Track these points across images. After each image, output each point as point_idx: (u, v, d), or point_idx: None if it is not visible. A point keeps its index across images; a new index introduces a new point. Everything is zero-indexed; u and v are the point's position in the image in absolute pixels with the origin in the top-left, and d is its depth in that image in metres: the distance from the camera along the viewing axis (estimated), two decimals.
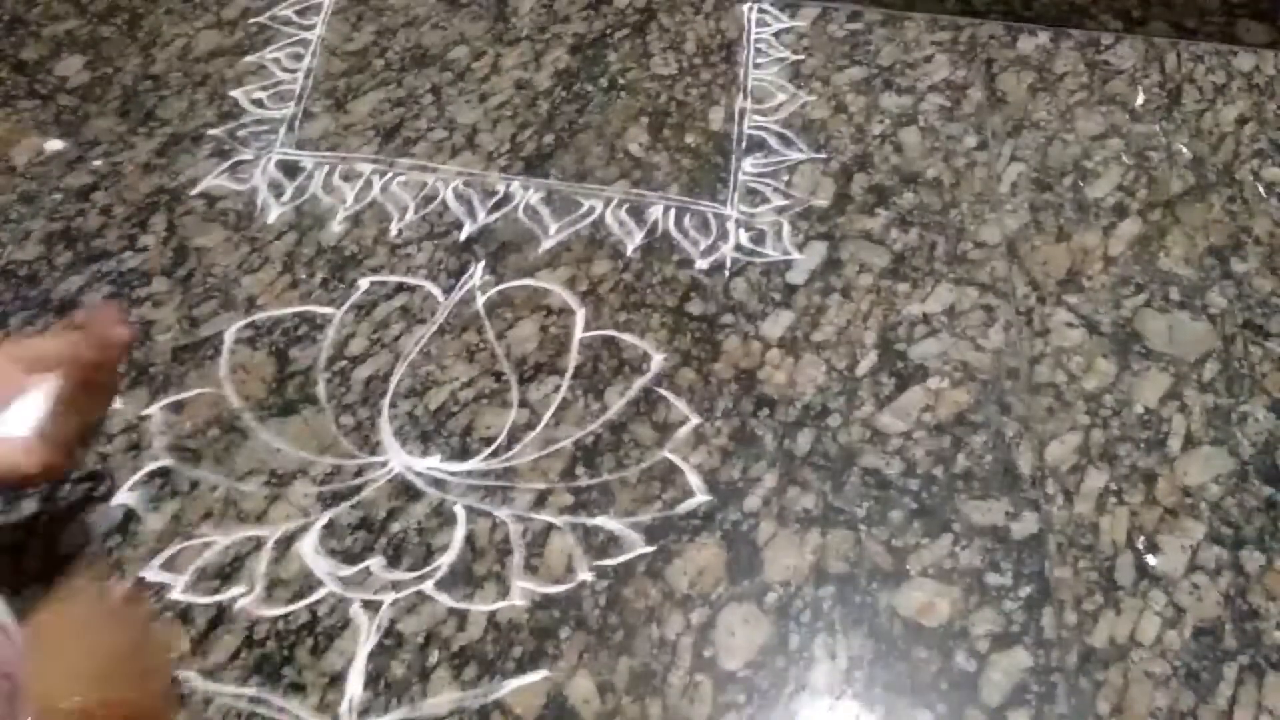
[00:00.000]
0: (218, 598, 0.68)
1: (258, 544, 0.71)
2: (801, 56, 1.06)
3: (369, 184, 0.94)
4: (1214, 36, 1.09)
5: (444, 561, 0.70)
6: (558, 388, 0.79)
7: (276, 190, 0.93)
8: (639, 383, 0.80)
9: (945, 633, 0.68)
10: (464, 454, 0.76)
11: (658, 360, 0.81)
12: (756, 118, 1.00)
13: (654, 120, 1.00)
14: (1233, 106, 1.03)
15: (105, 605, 0.64)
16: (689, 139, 0.98)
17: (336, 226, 0.90)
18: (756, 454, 0.76)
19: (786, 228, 0.91)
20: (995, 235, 0.91)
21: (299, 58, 1.05)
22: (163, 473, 0.74)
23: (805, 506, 0.74)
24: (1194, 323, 0.85)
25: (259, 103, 1.01)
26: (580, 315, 0.84)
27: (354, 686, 0.65)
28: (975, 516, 0.74)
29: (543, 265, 0.88)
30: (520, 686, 0.65)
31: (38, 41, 1.06)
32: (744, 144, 0.98)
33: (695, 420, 0.78)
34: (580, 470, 0.75)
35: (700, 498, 0.74)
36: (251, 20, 1.09)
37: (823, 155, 0.97)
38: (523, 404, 0.79)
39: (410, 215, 0.91)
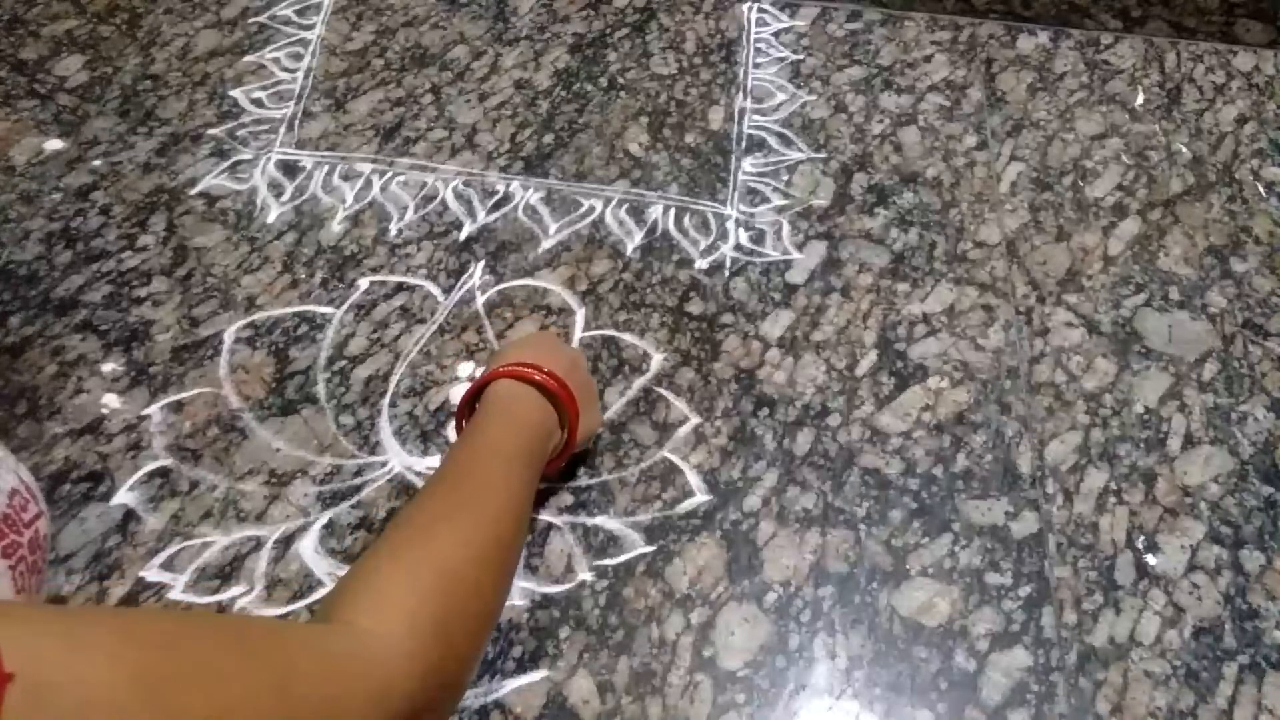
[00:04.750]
0: (218, 598, 0.68)
1: (257, 544, 0.71)
2: (801, 56, 1.06)
3: (369, 184, 0.94)
4: (1213, 36, 1.09)
5: None
6: None
7: (276, 190, 0.93)
8: (639, 382, 0.80)
9: (945, 632, 0.68)
10: None
11: (658, 360, 0.81)
12: (756, 117, 1.00)
13: (654, 120, 1.00)
14: (1232, 106, 1.03)
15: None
16: (689, 139, 0.98)
17: (336, 226, 0.90)
18: (756, 454, 0.76)
19: (786, 227, 0.91)
20: (995, 235, 0.91)
21: (299, 57, 1.05)
22: (163, 472, 0.74)
23: (805, 506, 0.74)
24: (1194, 322, 0.85)
25: (259, 102, 1.01)
26: (580, 315, 0.84)
27: None
28: (975, 516, 0.74)
29: (542, 265, 0.88)
30: (520, 686, 0.65)
31: (37, 41, 1.06)
32: (744, 144, 0.98)
33: (695, 420, 0.78)
34: (580, 470, 0.75)
35: (700, 497, 0.74)
36: (251, 20, 1.09)
37: (823, 155, 0.97)
38: None
39: (410, 215, 0.91)
